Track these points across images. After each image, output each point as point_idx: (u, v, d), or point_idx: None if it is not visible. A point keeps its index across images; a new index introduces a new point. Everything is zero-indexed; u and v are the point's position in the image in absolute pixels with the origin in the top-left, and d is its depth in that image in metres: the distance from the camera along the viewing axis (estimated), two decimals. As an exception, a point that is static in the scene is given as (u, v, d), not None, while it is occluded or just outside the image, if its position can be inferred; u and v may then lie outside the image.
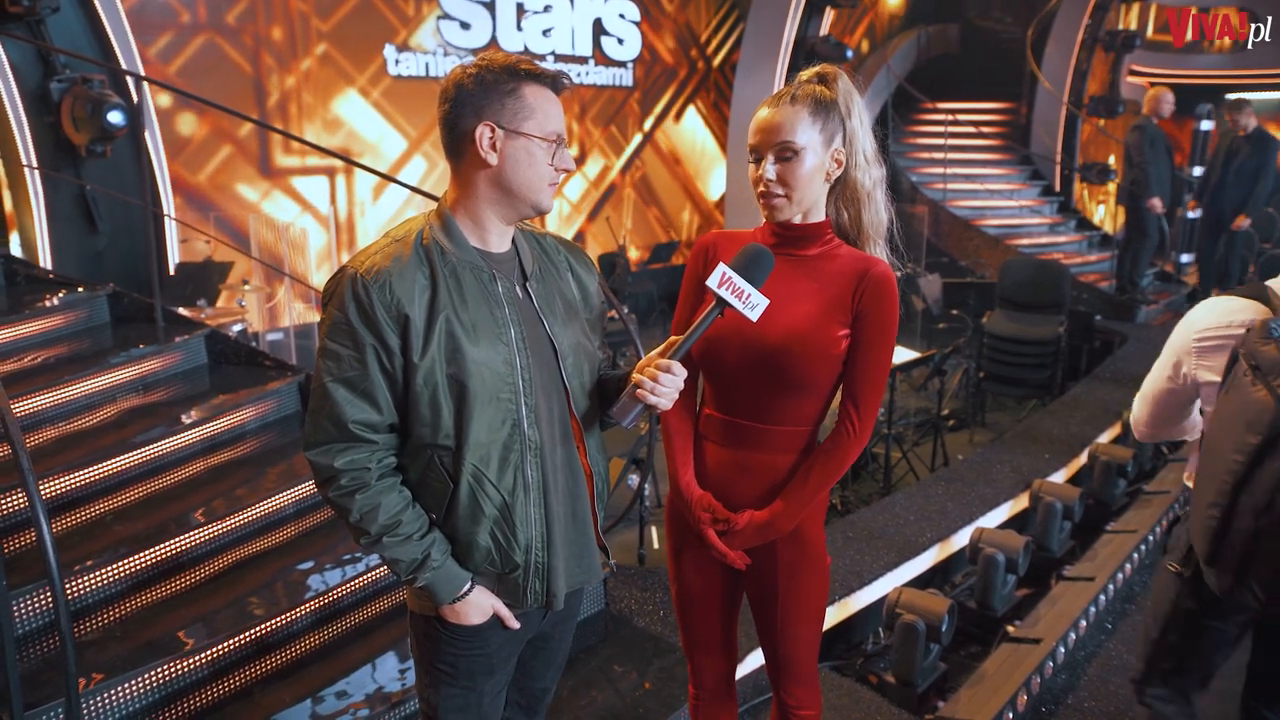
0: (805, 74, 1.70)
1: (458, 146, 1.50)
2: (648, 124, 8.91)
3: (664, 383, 1.50)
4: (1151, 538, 3.98)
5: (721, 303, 1.53)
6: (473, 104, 1.46)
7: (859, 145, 1.68)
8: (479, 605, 1.53)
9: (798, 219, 1.69)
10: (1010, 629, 3.39)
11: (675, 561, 1.88)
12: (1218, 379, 1.83)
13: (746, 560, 1.75)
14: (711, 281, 1.53)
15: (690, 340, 1.54)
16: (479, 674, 1.60)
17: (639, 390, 1.51)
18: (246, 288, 5.65)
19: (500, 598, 1.56)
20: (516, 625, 1.59)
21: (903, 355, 4.91)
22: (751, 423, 1.71)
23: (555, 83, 1.50)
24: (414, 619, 1.62)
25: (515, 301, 1.53)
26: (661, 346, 1.56)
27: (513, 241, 1.59)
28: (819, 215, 1.70)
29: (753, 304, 1.53)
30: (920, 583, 3.64)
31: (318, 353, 1.48)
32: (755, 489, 1.73)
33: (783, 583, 1.77)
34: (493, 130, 1.46)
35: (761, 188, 1.66)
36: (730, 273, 1.53)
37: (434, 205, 1.60)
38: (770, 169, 1.64)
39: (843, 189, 1.71)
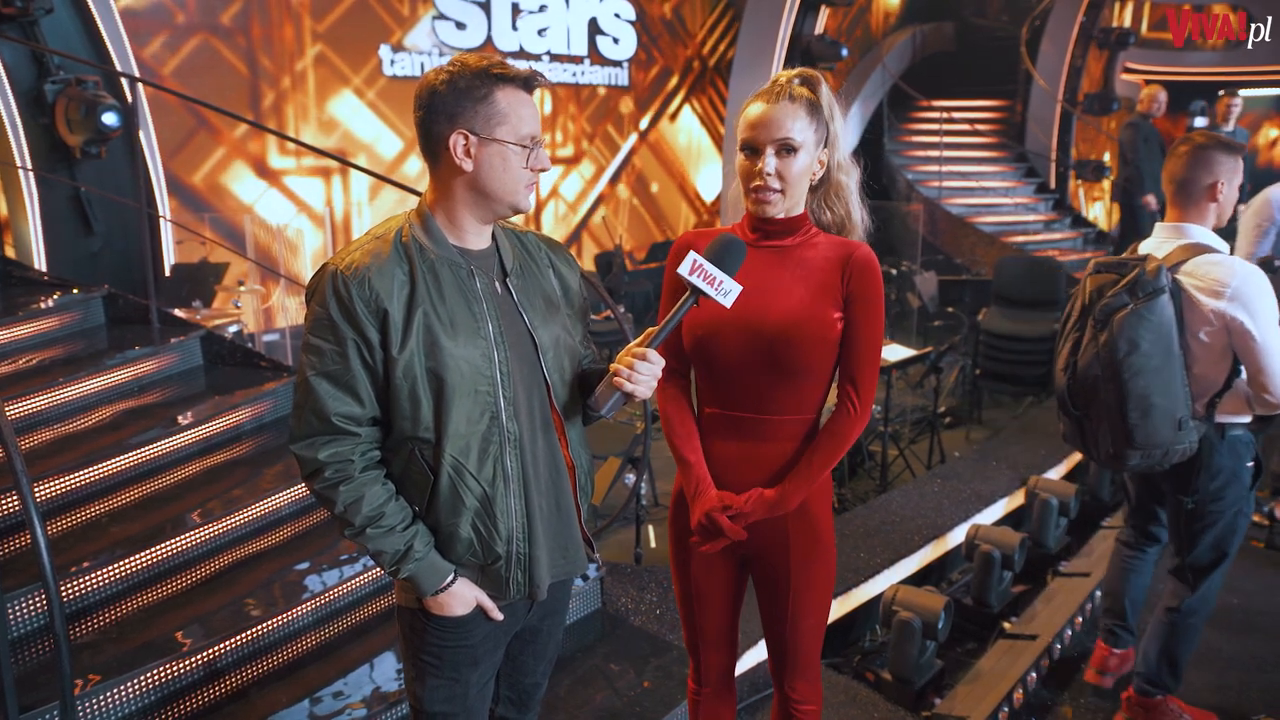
0: (785, 75, 1.72)
1: (434, 152, 1.52)
2: (643, 123, 8.91)
3: (641, 370, 1.53)
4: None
5: (695, 291, 1.55)
6: (446, 111, 1.48)
7: (840, 148, 1.73)
8: (462, 597, 1.56)
9: (781, 215, 1.71)
10: (1006, 625, 3.40)
11: (679, 557, 1.89)
12: None
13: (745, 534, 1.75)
14: (683, 269, 1.54)
15: (667, 328, 1.56)
16: (464, 665, 1.61)
17: (616, 378, 1.54)
18: (242, 289, 5.64)
19: (483, 589, 1.59)
20: (500, 617, 1.61)
21: (899, 353, 4.91)
22: (754, 415, 1.73)
23: (528, 83, 1.52)
24: (400, 612, 1.64)
25: (494, 297, 1.55)
26: (640, 337, 1.58)
27: (493, 238, 1.61)
28: (798, 210, 1.74)
29: (725, 290, 1.55)
30: (917, 580, 3.65)
31: (301, 348, 1.51)
32: (762, 481, 1.74)
33: (795, 569, 1.79)
34: (466, 138, 1.48)
35: (758, 181, 1.68)
36: (701, 260, 1.54)
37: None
38: (770, 163, 1.66)
39: (826, 190, 1.76)
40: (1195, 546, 2.56)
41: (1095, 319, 2.39)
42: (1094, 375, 2.39)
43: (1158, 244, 2.44)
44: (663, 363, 1.56)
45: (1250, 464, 2.47)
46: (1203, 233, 2.39)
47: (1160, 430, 2.33)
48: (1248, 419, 2.44)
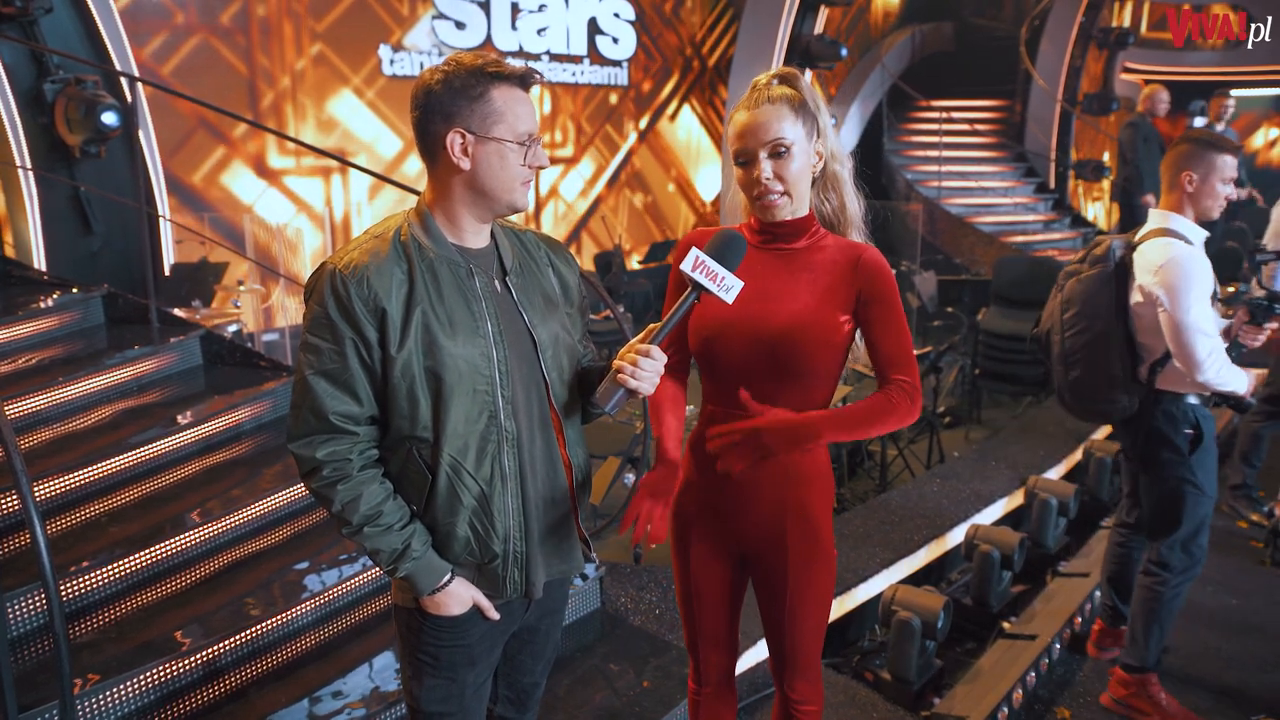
0: (763, 78, 1.72)
1: (431, 151, 1.52)
2: (643, 123, 8.92)
3: (644, 366, 1.52)
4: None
5: (697, 287, 1.55)
6: (442, 110, 1.48)
7: (830, 138, 1.73)
8: (459, 596, 1.56)
9: (789, 216, 1.71)
10: (1006, 625, 3.40)
11: (679, 556, 1.89)
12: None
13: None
14: (685, 266, 1.55)
15: (669, 324, 1.55)
16: (460, 665, 1.61)
17: (620, 375, 1.53)
18: (241, 288, 5.64)
19: (480, 588, 1.58)
20: (496, 616, 1.61)
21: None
22: None
23: (524, 80, 1.51)
24: (397, 611, 1.64)
25: (493, 296, 1.55)
26: (642, 333, 1.58)
27: (492, 237, 1.61)
28: (804, 209, 1.74)
29: (727, 286, 1.55)
30: (916, 580, 3.65)
31: (299, 347, 1.51)
32: (766, 480, 1.74)
33: (794, 570, 1.78)
34: (463, 136, 1.48)
35: (759, 188, 1.67)
36: (703, 256, 1.55)
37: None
38: (767, 168, 1.66)
39: (823, 181, 1.77)
40: (1148, 508, 2.76)
41: (1058, 284, 2.78)
42: (1047, 330, 2.78)
43: (1145, 227, 2.67)
44: (665, 359, 1.55)
45: (1188, 431, 2.62)
46: (1179, 221, 2.59)
47: (1091, 384, 2.64)
48: (1194, 392, 2.61)
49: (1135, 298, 2.57)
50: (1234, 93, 6.99)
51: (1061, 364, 2.70)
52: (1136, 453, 2.72)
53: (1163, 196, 2.64)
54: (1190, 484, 2.64)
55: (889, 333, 1.71)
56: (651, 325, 1.59)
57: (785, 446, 1.64)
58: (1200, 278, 2.46)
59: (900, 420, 1.69)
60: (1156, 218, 2.64)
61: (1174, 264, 2.46)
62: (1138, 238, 2.63)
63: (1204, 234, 2.59)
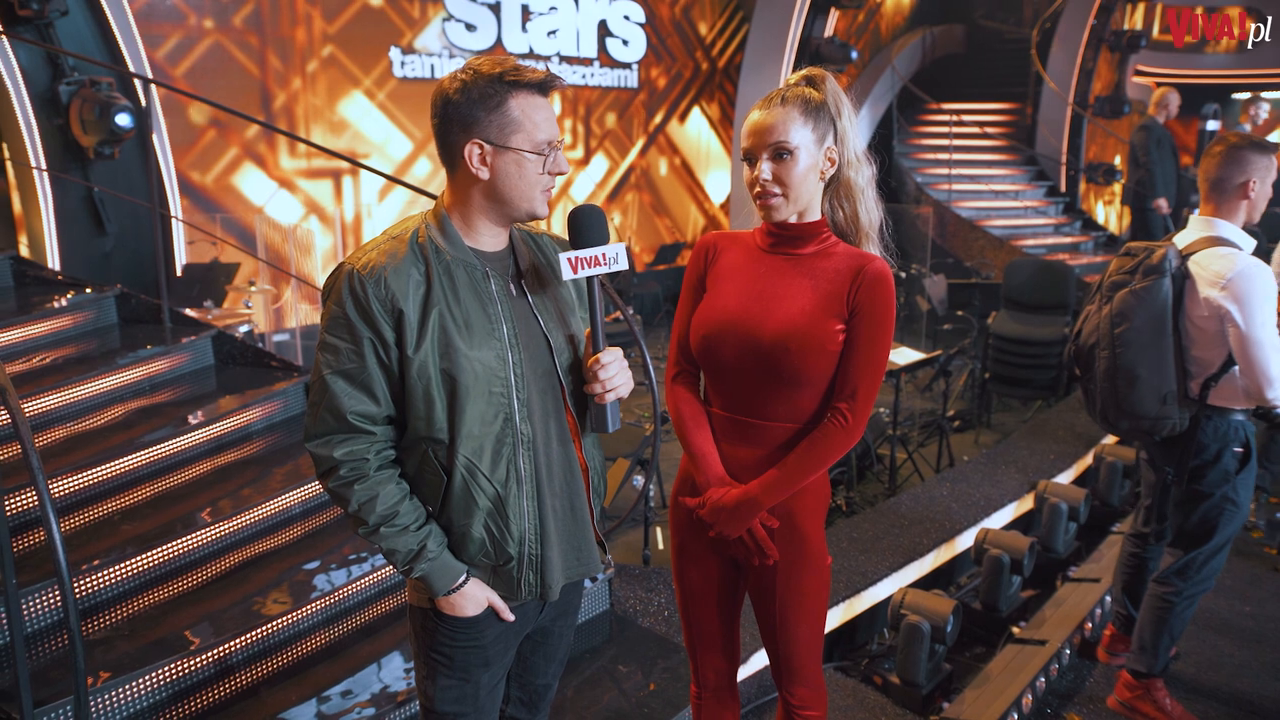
0: (793, 77, 1.73)
1: (451, 159, 1.53)
2: (652, 125, 8.92)
3: (609, 373, 1.56)
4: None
5: (593, 279, 1.57)
6: (460, 120, 1.48)
7: (850, 144, 1.71)
8: (474, 597, 1.56)
9: (793, 219, 1.71)
10: (1015, 630, 3.39)
11: (678, 558, 1.90)
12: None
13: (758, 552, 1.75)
14: (567, 275, 1.56)
15: (596, 325, 1.58)
16: (474, 666, 1.62)
17: (595, 399, 1.57)
18: (253, 289, 5.67)
19: (495, 590, 1.59)
20: (511, 617, 1.61)
21: (908, 356, 4.91)
22: (750, 419, 1.73)
23: (543, 86, 1.51)
24: (412, 611, 1.65)
25: (509, 299, 1.56)
26: (585, 343, 1.61)
27: (509, 241, 1.61)
28: (814, 214, 1.73)
29: (611, 257, 1.57)
30: (925, 584, 3.64)
31: (317, 346, 1.52)
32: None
33: (780, 582, 1.78)
34: (481, 147, 1.48)
35: (758, 188, 1.68)
36: (575, 254, 1.56)
37: (438, 207, 1.61)
38: (766, 169, 1.66)
39: (837, 187, 1.74)
40: (1181, 522, 2.70)
41: (1103, 294, 2.62)
42: (1092, 344, 2.62)
43: (1189, 234, 2.57)
44: (619, 352, 1.58)
45: (1238, 449, 2.55)
46: (1229, 228, 2.51)
47: (1145, 401, 2.52)
48: (1243, 407, 2.54)
49: (1200, 311, 2.44)
50: (1243, 96, 6.95)
51: (1108, 380, 2.55)
52: (1181, 469, 2.61)
53: (1208, 203, 2.52)
54: (1230, 501, 2.59)
55: (859, 351, 1.66)
56: (586, 331, 1.62)
57: (733, 526, 1.72)
58: (1271, 290, 2.37)
59: (835, 454, 1.70)
60: (1201, 225, 2.53)
61: (1244, 277, 2.36)
62: (1184, 247, 2.52)
63: (1253, 241, 2.50)
